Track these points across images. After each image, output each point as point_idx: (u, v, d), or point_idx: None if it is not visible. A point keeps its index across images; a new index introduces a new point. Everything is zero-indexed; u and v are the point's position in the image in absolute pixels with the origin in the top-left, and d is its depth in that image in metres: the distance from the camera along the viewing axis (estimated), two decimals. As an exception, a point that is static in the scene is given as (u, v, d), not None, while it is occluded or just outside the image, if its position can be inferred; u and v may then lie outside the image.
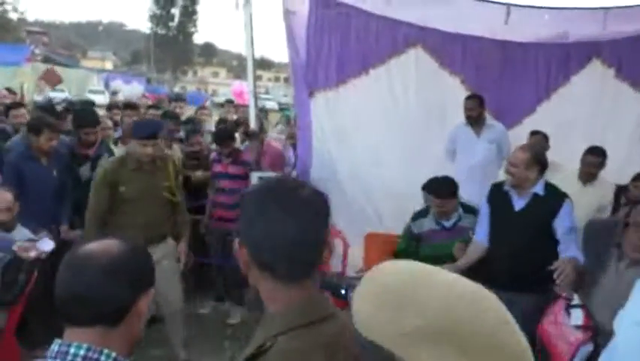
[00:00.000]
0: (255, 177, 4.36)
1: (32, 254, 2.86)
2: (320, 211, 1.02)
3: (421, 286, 0.62)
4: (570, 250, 2.76)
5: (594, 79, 4.67)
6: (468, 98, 4.41)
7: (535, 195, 2.94)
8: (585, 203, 3.90)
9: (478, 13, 4.51)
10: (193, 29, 57.47)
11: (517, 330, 0.61)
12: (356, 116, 4.45)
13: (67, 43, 61.63)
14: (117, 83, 31.30)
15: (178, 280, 3.57)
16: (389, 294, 0.62)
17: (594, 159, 4.01)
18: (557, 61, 4.72)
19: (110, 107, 7.17)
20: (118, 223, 3.31)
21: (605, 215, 4.03)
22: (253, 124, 4.49)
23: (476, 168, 4.26)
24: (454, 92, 4.58)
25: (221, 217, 4.45)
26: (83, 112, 4.69)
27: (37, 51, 31.70)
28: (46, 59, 32.57)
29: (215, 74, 70.02)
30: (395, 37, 4.45)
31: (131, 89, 27.69)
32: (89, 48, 60.79)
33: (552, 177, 4.12)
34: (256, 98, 4.41)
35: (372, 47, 4.40)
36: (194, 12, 56.52)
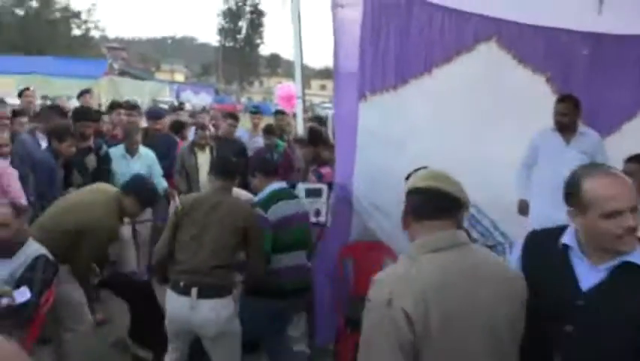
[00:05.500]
0: (302, 189, 3.91)
1: (3, 302, 2.64)
2: None
3: None
4: None
5: None
6: (560, 100, 3.81)
7: None
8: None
9: (564, 1, 3.84)
10: (259, 41, 58.77)
11: None
12: (415, 121, 3.87)
13: (143, 57, 64.93)
14: (187, 94, 32.41)
15: None
16: None
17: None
18: (663, 56, 3.95)
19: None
20: None
21: None
22: (301, 130, 4.06)
23: (562, 180, 3.56)
24: (538, 92, 3.93)
25: None
26: (81, 108, 5.37)
27: (115, 65, 33.60)
28: (122, 73, 34.44)
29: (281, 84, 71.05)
30: (463, 32, 3.86)
31: (199, 100, 28.59)
32: (162, 61, 63.59)
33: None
34: (304, 102, 3.97)
35: (436, 43, 3.83)
36: (260, 25, 57.81)
